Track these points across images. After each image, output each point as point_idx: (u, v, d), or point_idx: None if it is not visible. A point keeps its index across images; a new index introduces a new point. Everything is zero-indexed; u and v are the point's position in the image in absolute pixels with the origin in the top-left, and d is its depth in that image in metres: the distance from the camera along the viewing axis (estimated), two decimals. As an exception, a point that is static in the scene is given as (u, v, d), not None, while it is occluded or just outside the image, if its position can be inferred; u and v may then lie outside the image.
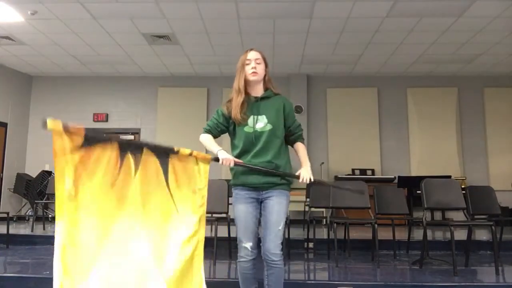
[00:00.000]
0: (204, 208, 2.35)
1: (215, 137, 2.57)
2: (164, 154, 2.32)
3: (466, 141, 8.98)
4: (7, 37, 7.23)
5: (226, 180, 5.11)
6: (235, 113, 2.43)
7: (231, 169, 2.51)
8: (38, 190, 8.45)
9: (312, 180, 2.46)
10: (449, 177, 6.61)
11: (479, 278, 3.87)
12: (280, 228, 2.40)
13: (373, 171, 8.78)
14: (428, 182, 4.19)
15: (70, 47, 7.70)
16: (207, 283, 3.60)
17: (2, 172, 8.65)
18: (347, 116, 9.13)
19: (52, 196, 7.56)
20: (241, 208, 2.44)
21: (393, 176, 8.34)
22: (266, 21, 6.54)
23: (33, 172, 8.84)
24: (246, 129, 2.45)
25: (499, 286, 3.63)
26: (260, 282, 2.48)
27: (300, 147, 2.59)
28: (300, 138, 2.60)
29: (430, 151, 8.91)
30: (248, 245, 2.38)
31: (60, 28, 6.82)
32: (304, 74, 9.13)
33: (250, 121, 2.45)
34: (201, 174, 2.39)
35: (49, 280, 3.46)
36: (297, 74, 9.04)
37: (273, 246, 2.35)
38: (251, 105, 2.47)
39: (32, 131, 9.37)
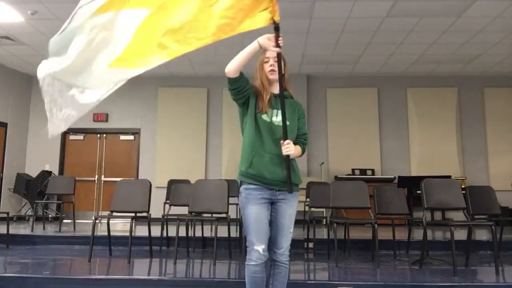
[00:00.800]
0: (213, 39, 2.12)
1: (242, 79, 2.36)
2: None
3: (466, 141, 8.98)
4: (7, 37, 7.23)
5: (226, 180, 5.12)
6: (263, 105, 2.40)
7: (246, 157, 2.41)
8: (38, 190, 8.45)
9: (289, 156, 2.33)
10: (449, 177, 6.60)
11: (479, 278, 3.87)
12: (291, 231, 2.42)
13: (373, 171, 8.78)
14: (428, 182, 4.19)
15: (70, 47, 7.69)
16: (207, 283, 3.62)
17: (2, 172, 8.65)
18: (347, 116, 9.13)
19: (52, 196, 7.59)
20: (254, 209, 2.37)
21: (393, 176, 8.35)
22: (266, 21, 6.53)
23: (33, 172, 8.84)
24: (264, 117, 2.42)
25: (499, 286, 3.63)
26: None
27: (297, 146, 2.47)
28: (300, 144, 2.51)
29: (430, 151, 8.91)
30: (261, 248, 2.31)
31: (60, 28, 6.81)
32: (304, 74, 9.14)
33: (269, 113, 2.43)
34: (251, 22, 2.12)
35: (49, 280, 3.50)
36: (297, 74, 9.04)
37: (285, 247, 2.38)
38: (271, 100, 2.46)
39: (32, 131, 9.37)
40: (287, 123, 2.39)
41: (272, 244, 2.40)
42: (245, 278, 2.35)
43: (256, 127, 2.42)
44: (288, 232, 2.40)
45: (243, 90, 2.39)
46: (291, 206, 2.43)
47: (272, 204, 2.43)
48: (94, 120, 9.35)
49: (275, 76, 2.46)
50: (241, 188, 2.44)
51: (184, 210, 4.92)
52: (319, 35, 7.05)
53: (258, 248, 2.31)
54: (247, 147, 2.44)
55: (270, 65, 2.46)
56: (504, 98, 9.05)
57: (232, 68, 2.29)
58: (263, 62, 2.49)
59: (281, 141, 2.34)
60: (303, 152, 2.52)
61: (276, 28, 2.10)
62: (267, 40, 2.25)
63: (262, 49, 2.30)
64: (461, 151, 8.95)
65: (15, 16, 6.35)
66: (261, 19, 2.09)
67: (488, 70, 8.79)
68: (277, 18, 2.08)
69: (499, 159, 8.84)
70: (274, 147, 2.38)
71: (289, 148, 2.32)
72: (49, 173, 8.80)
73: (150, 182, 4.71)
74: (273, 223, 2.43)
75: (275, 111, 2.43)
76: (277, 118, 2.41)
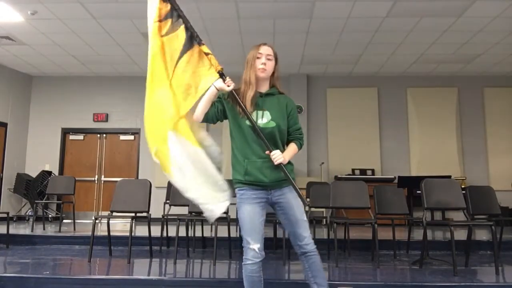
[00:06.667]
0: (188, 107, 2.44)
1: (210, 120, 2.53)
2: (191, 38, 2.48)
3: (466, 141, 8.98)
4: (7, 37, 7.23)
5: (226, 180, 5.11)
6: (245, 105, 2.37)
7: (239, 164, 2.42)
8: (38, 190, 8.45)
9: (280, 162, 2.33)
10: (449, 177, 6.61)
11: (479, 278, 3.87)
12: (305, 219, 2.41)
13: (373, 171, 8.78)
14: (428, 182, 4.19)
15: (70, 47, 7.70)
16: (207, 282, 3.62)
17: (2, 172, 8.65)
18: (347, 116, 9.13)
19: (52, 196, 7.58)
20: (248, 209, 2.37)
21: (393, 176, 8.34)
22: (266, 21, 6.54)
23: (33, 172, 8.85)
24: (247, 122, 2.38)
25: (499, 286, 3.62)
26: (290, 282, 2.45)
27: (291, 145, 2.47)
28: (296, 140, 2.49)
29: (430, 151, 8.91)
30: (256, 247, 2.30)
31: (60, 28, 6.82)
32: (304, 74, 9.13)
33: (253, 116, 2.39)
34: (205, 82, 2.44)
35: (49, 280, 3.50)
36: (297, 74, 9.04)
37: (307, 236, 2.39)
38: (257, 100, 2.42)
39: (32, 131, 9.37)
40: (274, 124, 2.39)
41: (294, 239, 2.41)
42: (243, 278, 2.35)
43: (242, 134, 2.42)
44: (303, 221, 2.39)
45: (215, 120, 2.51)
46: (294, 197, 2.41)
47: (274, 204, 2.43)
48: (94, 120, 9.36)
49: (264, 74, 2.44)
50: (236, 189, 2.45)
51: (184, 210, 4.92)
52: (319, 35, 7.05)
53: (253, 247, 2.30)
54: (238, 155, 2.43)
55: (262, 63, 2.41)
56: (504, 98, 9.05)
57: (197, 116, 2.45)
58: (255, 57, 2.44)
59: (266, 152, 2.35)
60: (300, 147, 2.51)
61: (221, 74, 2.41)
62: (220, 83, 2.38)
63: (219, 91, 2.44)
64: (461, 151, 8.95)
65: (15, 16, 6.35)
66: (211, 75, 2.43)
67: (488, 70, 8.79)
68: (219, 68, 2.42)
69: (499, 159, 8.84)
70: (263, 150, 2.37)
71: (277, 158, 2.33)
72: (49, 173, 8.80)
73: (150, 182, 4.71)
74: (284, 220, 2.44)
75: (260, 112, 2.40)
76: (263, 120, 2.39)
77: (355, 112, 9.13)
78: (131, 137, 9.41)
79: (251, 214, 2.36)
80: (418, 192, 4.64)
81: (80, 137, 9.44)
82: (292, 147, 2.47)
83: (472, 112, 9.09)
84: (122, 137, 9.43)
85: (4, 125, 8.82)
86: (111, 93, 9.43)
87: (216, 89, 2.39)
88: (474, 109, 9.10)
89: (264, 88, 2.49)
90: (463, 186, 6.37)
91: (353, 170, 8.75)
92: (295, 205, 2.41)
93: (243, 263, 2.34)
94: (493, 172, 8.79)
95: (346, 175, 8.53)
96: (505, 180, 8.33)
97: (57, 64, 8.65)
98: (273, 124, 2.40)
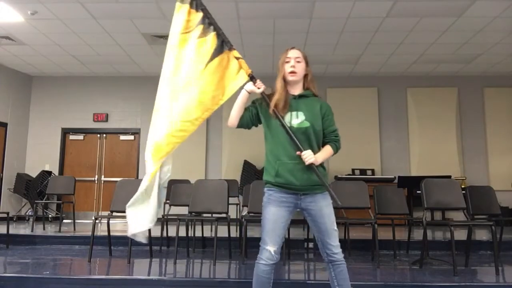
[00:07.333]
0: (210, 112, 2.51)
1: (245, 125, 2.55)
2: (222, 44, 2.54)
3: (466, 141, 8.98)
4: (7, 37, 7.23)
5: (226, 180, 5.12)
6: (273, 108, 2.37)
7: (271, 166, 2.40)
8: (38, 190, 8.46)
9: (311, 163, 2.30)
10: (449, 177, 6.61)
11: (479, 278, 3.87)
12: (335, 228, 2.38)
13: (373, 171, 8.78)
14: (428, 182, 4.19)
15: (70, 47, 7.70)
16: (207, 283, 3.62)
17: (2, 172, 8.65)
18: (347, 116, 9.11)
19: (52, 196, 7.58)
20: (272, 210, 2.35)
21: (393, 176, 8.34)
22: (266, 21, 6.54)
23: (33, 172, 8.85)
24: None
25: (499, 286, 3.63)
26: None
27: (326, 146, 2.45)
28: (331, 142, 2.46)
29: (430, 151, 8.92)
30: (272, 249, 2.29)
31: (60, 28, 6.82)
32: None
33: (287, 117, 2.39)
34: (233, 85, 2.50)
35: (49, 280, 3.50)
36: (297, 74, 9.03)
37: (336, 246, 2.36)
38: (289, 102, 2.42)
39: (32, 131, 9.37)
40: (308, 124, 2.38)
41: (322, 246, 2.39)
42: (253, 276, 2.34)
43: (276, 135, 2.40)
44: (332, 231, 2.36)
45: (250, 125, 2.53)
46: (326, 206, 2.38)
47: (303, 210, 2.41)
48: (94, 120, 9.36)
49: (295, 77, 2.46)
50: (265, 189, 2.44)
51: (184, 210, 4.92)
52: (319, 35, 7.05)
53: (270, 248, 2.29)
54: (270, 156, 2.42)
55: (291, 66, 2.44)
56: (504, 98, 9.05)
57: (232, 121, 2.49)
58: (284, 62, 2.47)
59: (297, 153, 2.32)
60: (335, 150, 2.48)
61: (252, 77, 2.45)
62: (251, 86, 2.43)
63: (251, 93, 2.47)
64: (461, 151, 8.95)
65: (15, 16, 6.35)
66: (240, 78, 2.50)
67: (488, 70, 8.79)
68: (249, 71, 2.48)
69: (499, 159, 8.84)
70: (293, 151, 2.34)
71: (308, 158, 2.30)
72: (49, 173, 8.80)
73: (150, 182, 4.70)
74: (314, 227, 2.41)
75: (294, 113, 2.40)
76: (298, 120, 2.38)
77: (355, 112, 9.12)
78: (131, 137, 9.41)
79: (275, 216, 2.35)
80: (418, 192, 4.65)
81: (80, 137, 9.45)
82: (327, 149, 2.44)
83: (472, 112, 9.09)
84: (122, 137, 9.43)
85: (4, 125, 8.82)
86: (111, 93, 9.43)
87: (247, 92, 2.42)
88: (474, 109, 9.10)
89: (298, 90, 2.50)
90: (463, 186, 6.38)
91: (353, 170, 8.75)
92: (326, 214, 2.37)
93: (256, 261, 2.33)
94: (493, 172, 8.78)
95: (346, 175, 8.53)
96: (505, 180, 8.33)
97: (57, 64, 8.65)
98: (307, 124, 2.38)
